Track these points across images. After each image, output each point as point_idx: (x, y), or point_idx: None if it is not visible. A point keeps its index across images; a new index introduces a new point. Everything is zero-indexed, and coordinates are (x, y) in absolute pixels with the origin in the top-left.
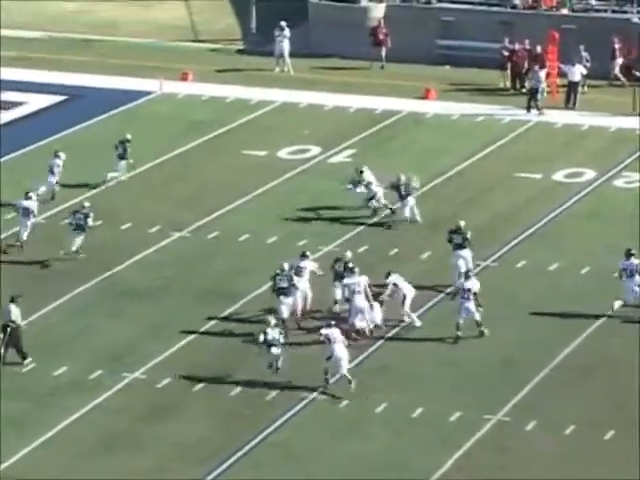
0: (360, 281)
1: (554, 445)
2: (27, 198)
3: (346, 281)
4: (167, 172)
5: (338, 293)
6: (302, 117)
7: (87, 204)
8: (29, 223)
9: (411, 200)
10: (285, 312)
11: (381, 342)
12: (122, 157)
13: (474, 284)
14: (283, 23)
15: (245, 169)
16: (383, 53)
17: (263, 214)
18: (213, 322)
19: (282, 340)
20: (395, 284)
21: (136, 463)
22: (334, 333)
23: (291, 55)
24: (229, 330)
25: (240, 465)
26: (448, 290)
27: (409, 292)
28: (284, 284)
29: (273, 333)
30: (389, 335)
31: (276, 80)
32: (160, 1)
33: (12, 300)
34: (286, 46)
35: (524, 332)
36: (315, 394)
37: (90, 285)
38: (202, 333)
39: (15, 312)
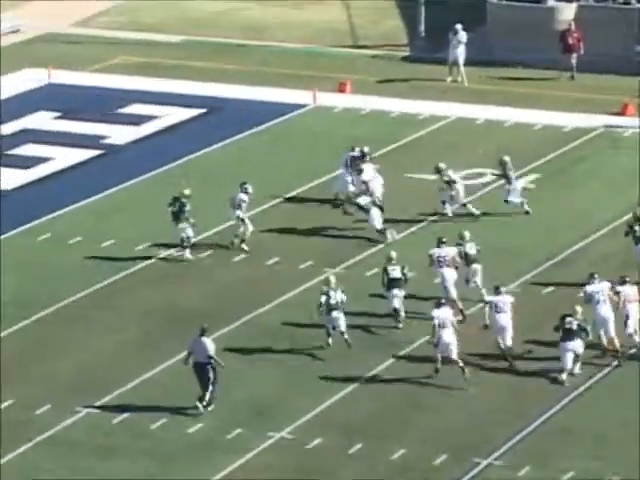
0: (603, 288)
1: None
2: (243, 190)
3: (588, 289)
4: (321, 199)
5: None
6: (478, 135)
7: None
8: (237, 215)
9: (520, 183)
10: (397, 304)
11: (569, 398)
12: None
13: None
14: (458, 26)
15: (410, 195)
16: (574, 61)
17: (429, 248)
18: (373, 372)
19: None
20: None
21: None
22: (445, 316)
23: (466, 63)
24: (393, 382)
25: None
26: None
27: (633, 311)
28: (397, 274)
29: (336, 296)
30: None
31: (448, 92)
32: (314, 1)
33: (202, 333)
34: (461, 52)
35: None
36: (491, 459)
37: (230, 329)
38: (360, 385)
39: (211, 346)
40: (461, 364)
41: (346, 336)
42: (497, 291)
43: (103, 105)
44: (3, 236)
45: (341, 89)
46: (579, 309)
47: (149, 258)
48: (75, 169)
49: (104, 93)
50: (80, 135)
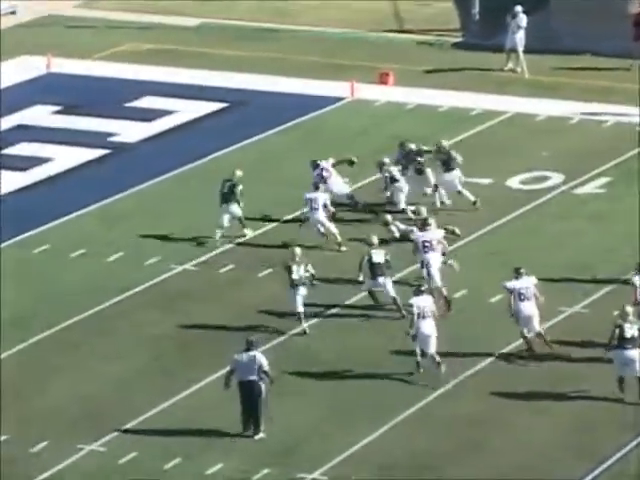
0: None
1: None
2: (316, 188)
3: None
4: (355, 205)
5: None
6: (540, 133)
7: None
8: (315, 218)
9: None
10: (392, 292)
11: None
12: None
13: None
14: (518, 8)
15: (462, 202)
16: None
17: (484, 264)
18: (417, 405)
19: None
20: None
21: None
22: (425, 305)
23: (526, 51)
24: (440, 415)
25: None
26: None
27: None
28: (379, 258)
29: (299, 271)
30: None
31: (506, 83)
32: None
33: (249, 347)
34: (520, 39)
35: None
36: None
37: None
38: (402, 419)
39: (264, 361)
40: (438, 359)
41: (304, 324)
42: (517, 274)
43: (110, 98)
44: None
45: (383, 80)
46: (629, 309)
47: (161, 274)
48: (77, 171)
49: (111, 84)
50: (83, 132)
